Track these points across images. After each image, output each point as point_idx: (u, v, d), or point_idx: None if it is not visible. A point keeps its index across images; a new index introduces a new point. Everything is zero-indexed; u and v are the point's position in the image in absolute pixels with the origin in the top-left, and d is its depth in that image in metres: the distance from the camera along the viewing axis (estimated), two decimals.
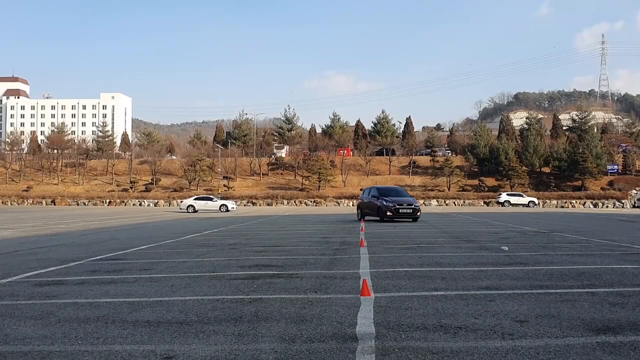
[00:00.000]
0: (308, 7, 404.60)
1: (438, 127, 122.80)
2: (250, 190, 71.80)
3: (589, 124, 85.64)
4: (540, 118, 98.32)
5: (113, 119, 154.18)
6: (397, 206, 22.16)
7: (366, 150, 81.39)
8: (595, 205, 61.92)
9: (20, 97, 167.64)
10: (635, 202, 61.97)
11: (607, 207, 61.28)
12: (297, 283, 6.98)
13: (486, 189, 69.22)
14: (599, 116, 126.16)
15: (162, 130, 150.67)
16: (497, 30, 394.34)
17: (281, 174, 79.90)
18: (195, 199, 44.14)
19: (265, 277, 7.55)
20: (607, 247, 11.60)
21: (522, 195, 61.56)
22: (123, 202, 68.32)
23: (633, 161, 73.83)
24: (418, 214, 22.72)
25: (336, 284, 6.91)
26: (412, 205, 22.59)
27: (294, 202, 66.63)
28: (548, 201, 63.65)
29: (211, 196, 47.85)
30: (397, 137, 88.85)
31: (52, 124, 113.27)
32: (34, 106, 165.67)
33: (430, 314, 5.11)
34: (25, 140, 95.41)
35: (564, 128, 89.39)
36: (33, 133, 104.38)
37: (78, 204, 67.63)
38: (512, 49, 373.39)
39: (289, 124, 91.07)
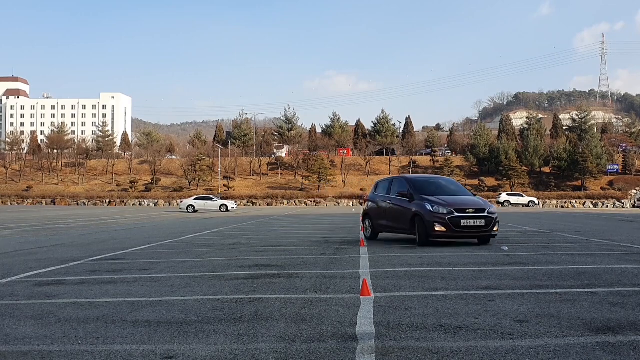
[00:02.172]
0: (308, 7, 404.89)
1: (438, 127, 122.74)
2: (250, 190, 71.79)
3: (589, 124, 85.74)
4: (540, 118, 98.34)
5: (113, 119, 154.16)
6: (457, 214, 11.48)
7: (366, 150, 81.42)
8: (595, 205, 61.93)
9: (20, 97, 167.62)
10: (635, 202, 61.99)
11: (607, 207, 61.27)
12: (297, 283, 6.98)
13: (486, 188, 69.22)
14: (599, 116, 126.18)
15: (162, 130, 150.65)
16: (497, 30, 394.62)
17: (281, 174, 79.90)
18: (195, 199, 44.18)
19: (265, 277, 7.55)
20: (607, 247, 11.59)
21: (522, 195, 61.61)
22: (123, 202, 68.32)
23: (633, 161, 73.84)
24: (495, 229, 11.98)
25: (336, 283, 6.91)
26: (484, 212, 11.78)
27: (294, 202, 66.63)
28: (548, 201, 63.68)
29: (211, 196, 47.87)
30: (397, 137, 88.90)
31: (52, 124, 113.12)
32: (34, 106, 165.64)
33: (430, 313, 5.11)
34: (25, 140, 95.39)
35: (564, 128, 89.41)
36: (33, 133, 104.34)
37: (78, 204, 67.63)
38: (512, 49, 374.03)
39: (289, 123, 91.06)
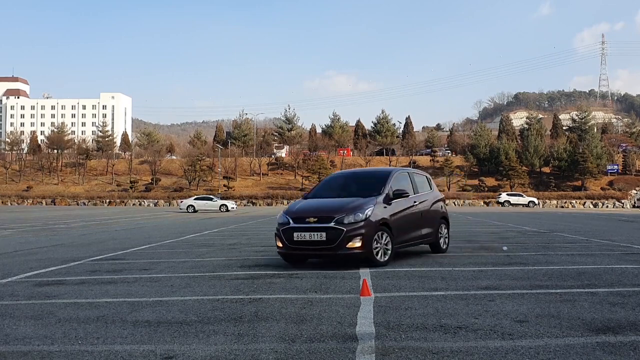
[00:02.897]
0: (308, 7, 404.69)
1: (438, 127, 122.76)
2: (250, 190, 71.79)
3: (589, 124, 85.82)
4: (540, 118, 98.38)
5: (113, 119, 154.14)
6: (293, 224, 8.40)
7: (366, 150, 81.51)
8: (595, 205, 61.95)
9: (20, 97, 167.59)
10: (635, 202, 62.02)
11: (607, 207, 61.29)
12: (297, 283, 6.98)
13: (486, 189, 69.26)
14: (599, 116, 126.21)
15: (162, 130, 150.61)
16: (497, 30, 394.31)
17: (281, 174, 79.92)
18: (195, 199, 44.21)
19: (265, 277, 7.55)
20: (607, 247, 11.59)
21: (522, 195, 61.64)
22: (123, 202, 68.33)
23: (633, 161, 73.87)
24: (354, 245, 7.97)
25: (336, 284, 6.91)
26: (330, 221, 8.07)
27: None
28: (548, 201, 63.69)
29: (211, 196, 47.89)
30: (397, 137, 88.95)
31: (52, 124, 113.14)
32: (34, 106, 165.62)
33: (430, 314, 5.10)
34: (25, 140, 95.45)
35: (564, 128, 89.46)
36: (33, 133, 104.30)
37: (78, 204, 67.63)
38: (512, 49, 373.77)
39: (289, 124, 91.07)
